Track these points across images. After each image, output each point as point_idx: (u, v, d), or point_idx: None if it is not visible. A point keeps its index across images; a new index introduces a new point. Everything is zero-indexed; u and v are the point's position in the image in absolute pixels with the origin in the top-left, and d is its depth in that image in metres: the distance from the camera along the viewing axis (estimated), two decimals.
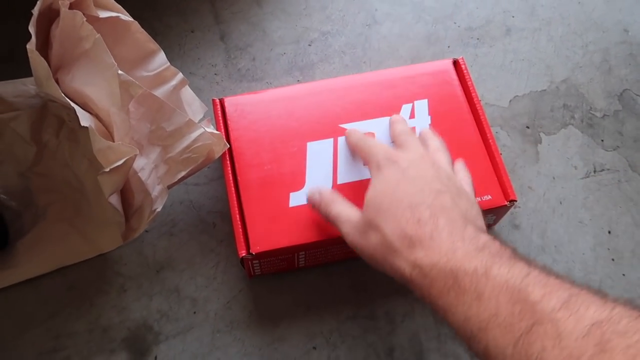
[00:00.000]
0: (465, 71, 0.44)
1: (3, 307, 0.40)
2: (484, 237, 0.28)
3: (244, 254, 0.36)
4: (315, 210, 0.36)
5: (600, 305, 0.23)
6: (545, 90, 0.51)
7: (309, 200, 0.37)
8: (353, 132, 0.39)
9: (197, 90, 0.48)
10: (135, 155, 0.33)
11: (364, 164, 0.39)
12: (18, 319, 0.39)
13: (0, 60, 0.40)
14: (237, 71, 0.49)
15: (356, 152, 0.38)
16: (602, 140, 0.49)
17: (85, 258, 0.41)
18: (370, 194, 0.32)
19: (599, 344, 0.21)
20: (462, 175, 0.37)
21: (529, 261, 0.27)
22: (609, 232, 0.45)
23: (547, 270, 0.26)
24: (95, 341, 0.39)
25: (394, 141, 0.38)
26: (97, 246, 0.41)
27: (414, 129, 0.41)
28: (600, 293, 0.24)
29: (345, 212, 0.34)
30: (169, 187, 0.38)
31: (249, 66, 0.49)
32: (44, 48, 0.36)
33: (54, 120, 0.43)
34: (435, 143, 0.38)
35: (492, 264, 0.26)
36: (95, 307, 0.40)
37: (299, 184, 0.39)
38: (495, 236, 0.29)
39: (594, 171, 0.47)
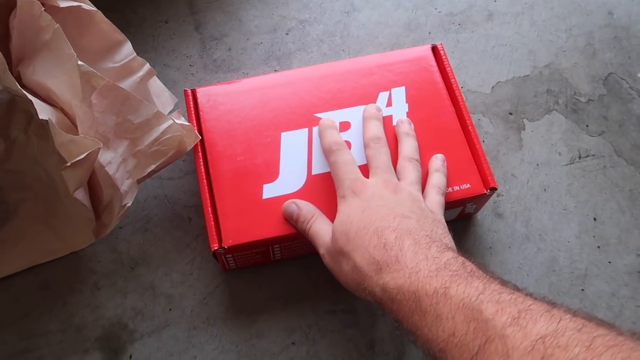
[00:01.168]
0: (444, 57, 0.43)
1: None
2: (447, 255, 0.29)
3: (216, 248, 0.35)
4: (291, 222, 0.36)
5: (547, 319, 0.23)
6: (528, 75, 0.50)
7: (284, 212, 0.36)
8: (325, 132, 0.38)
9: (172, 82, 0.47)
10: (99, 148, 0.32)
11: None
12: None
13: None
14: (212, 62, 0.48)
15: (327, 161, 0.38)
16: (587, 126, 0.48)
17: (57, 256, 0.40)
18: (337, 222, 0.33)
19: (542, 359, 0.22)
20: (434, 197, 0.36)
21: (487, 277, 0.27)
22: (594, 219, 0.44)
23: (503, 286, 0.26)
24: (69, 341, 0.38)
25: (365, 147, 0.38)
26: (70, 244, 0.40)
27: (390, 117, 0.40)
28: (551, 305, 0.25)
29: (322, 232, 0.34)
30: (139, 181, 0.37)
31: (225, 57, 0.48)
32: (4, 40, 0.35)
33: (22, 115, 0.42)
34: (409, 146, 0.38)
35: (451, 283, 0.27)
36: (68, 306, 0.39)
37: (272, 175, 0.38)
38: (461, 253, 0.30)
39: (579, 157, 0.46)
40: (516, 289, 0.26)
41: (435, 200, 0.36)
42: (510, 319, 0.24)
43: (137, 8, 0.50)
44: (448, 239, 0.32)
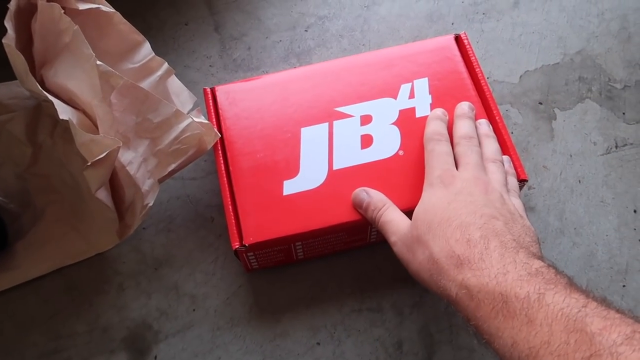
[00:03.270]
0: (468, 46, 0.41)
1: (4, 310, 0.39)
2: (538, 263, 0.27)
3: (237, 246, 0.35)
4: (360, 210, 0.35)
5: None
6: (558, 63, 0.47)
7: (354, 200, 0.36)
8: (431, 122, 0.37)
9: (192, 83, 0.47)
10: (119, 147, 0.32)
11: None
12: (19, 320, 0.39)
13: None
14: (232, 61, 0.48)
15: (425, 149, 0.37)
16: (624, 113, 0.45)
17: (83, 257, 0.41)
18: (420, 209, 0.32)
19: None
20: (514, 200, 0.34)
21: (586, 292, 0.25)
22: (635, 211, 0.41)
23: (606, 303, 0.24)
24: (95, 341, 0.38)
25: (455, 145, 0.36)
26: (95, 245, 0.41)
27: (413, 109, 0.39)
28: None
29: (395, 221, 0.33)
30: (160, 180, 0.37)
31: (245, 56, 0.48)
32: (28, 45, 0.35)
33: (48, 120, 0.42)
34: (490, 147, 0.36)
35: (546, 290, 0.25)
36: (94, 307, 0.39)
37: (292, 171, 0.37)
38: (551, 264, 0.27)
39: (616, 146, 0.44)
40: (621, 311, 0.24)
41: (518, 204, 0.34)
42: (621, 338, 0.22)
43: (157, 12, 0.50)
44: (536, 248, 0.30)
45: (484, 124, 0.38)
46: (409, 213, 0.36)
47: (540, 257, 0.28)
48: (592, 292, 0.25)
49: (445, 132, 0.37)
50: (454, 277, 0.28)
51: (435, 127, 0.37)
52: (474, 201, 0.31)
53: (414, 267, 0.31)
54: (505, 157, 0.37)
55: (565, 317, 0.23)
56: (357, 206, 0.36)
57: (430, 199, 0.32)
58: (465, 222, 0.29)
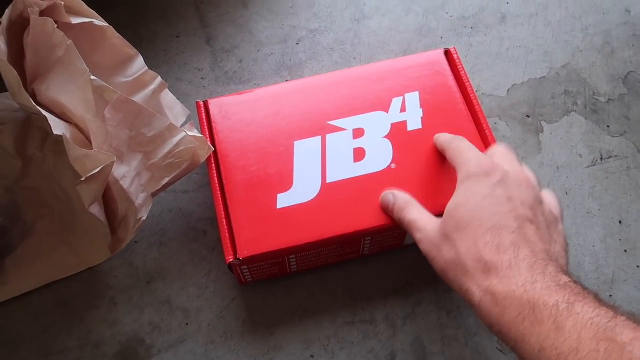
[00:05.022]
0: (457, 61, 0.42)
1: None
2: (566, 278, 0.27)
3: (231, 260, 0.35)
4: (387, 213, 0.35)
5: None
6: (544, 77, 0.49)
7: (381, 203, 0.36)
8: (443, 134, 0.38)
9: (184, 96, 0.47)
10: (113, 163, 0.32)
11: (452, 167, 0.35)
12: (8, 337, 0.38)
13: None
14: (224, 74, 0.48)
15: (445, 154, 0.36)
16: (608, 126, 0.46)
17: (74, 272, 0.40)
18: (452, 205, 0.31)
19: None
20: (551, 202, 0.33)
21: (615, 307, 0.26)
22: (620, 222, 0.42)
23: (635, 318, 0.25)
24: (87, 357, 0.38)
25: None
26: (86, 259, 0.40)
27: (404, 123, 0.40)
28: None
29: (421, 219, 0.33)
30: (154, 194, 0.37)
31: (236, 68, 0.48)
32: (19, 59, 0.35)
33: (38, 133, 0.42)
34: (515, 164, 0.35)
35: (576, 300, 0.25)
36: (85, 322, 0.39)
37: (286, 184, 0.37)
38: (578, 281, 0.28)
39: (601, 159, 0.45)
40: None
41: (554, 205, 0.33)
42: None
43: (149, 24, 0.50)
44: (565, 261, 0.30)
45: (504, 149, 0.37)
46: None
47: (567, 273, 0.28)
48: (620, 308, 0.26)
49: None
50: (479, 282, 0.28)
51: (449, 137, 0.36)
52: (512, 198, 0.30)
53: (439, 264, 0.30)
54: (550, 194, 0.36)
55: (595, 326, 0.23)
56: (385, 209, 0.36)
57: (465, 193, 0.31)
58: (497, 225, 0.29)
